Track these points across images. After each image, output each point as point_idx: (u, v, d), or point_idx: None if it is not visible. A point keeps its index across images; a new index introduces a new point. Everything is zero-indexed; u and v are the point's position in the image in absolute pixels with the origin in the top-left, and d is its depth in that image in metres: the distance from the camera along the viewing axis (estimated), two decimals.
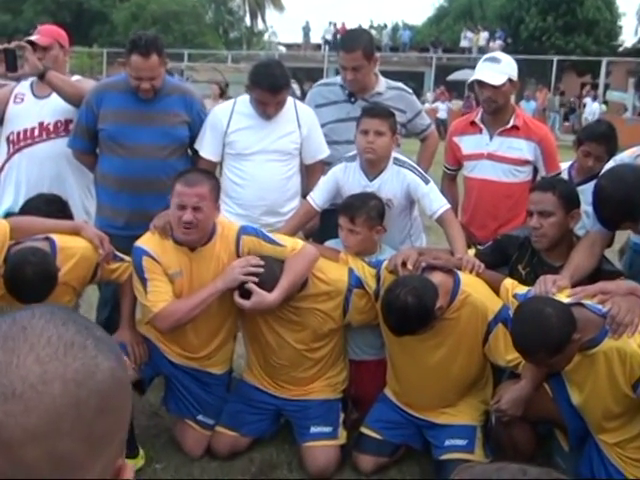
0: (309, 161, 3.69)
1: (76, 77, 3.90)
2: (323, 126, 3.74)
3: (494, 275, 3.09)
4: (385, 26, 39.73)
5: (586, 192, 3.13)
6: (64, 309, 0.76)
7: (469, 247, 3.38)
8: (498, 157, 3.63)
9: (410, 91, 3.97)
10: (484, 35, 30.80)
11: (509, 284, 2.99)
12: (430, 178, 3.44)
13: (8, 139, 3.67)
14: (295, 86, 18.52)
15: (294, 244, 3.13)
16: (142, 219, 3.24)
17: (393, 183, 3.38)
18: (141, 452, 3.17)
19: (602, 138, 3.60)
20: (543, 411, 2.87)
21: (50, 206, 3.26)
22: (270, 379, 3.39)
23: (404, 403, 3.28)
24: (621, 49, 34.24)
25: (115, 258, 3.13)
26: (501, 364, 3.03)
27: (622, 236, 3.65)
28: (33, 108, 3.66)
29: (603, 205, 2.78)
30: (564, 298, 2.66)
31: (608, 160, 3.30)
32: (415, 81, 28.99)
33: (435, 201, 3.33)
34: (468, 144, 3.74)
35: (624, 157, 3.08)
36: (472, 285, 3.00)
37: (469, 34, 31.87)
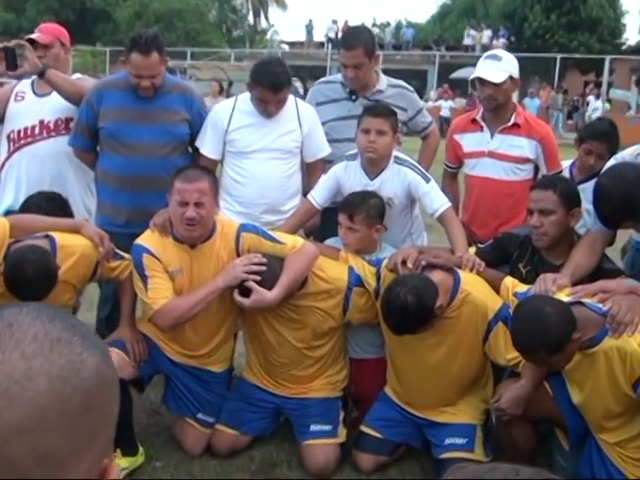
0: (310, 159, 3.68)
1: (77, 75, 3.91)
2: (324, 124, 3.73)
3: (494, 274, 3.09)
4: (388, 24, 39.68)
5: (587, 190, 3.11)
6: (52, 307, 0.76)
7: (470, 245, 3.37)
8: (499, 155, 3.62)
9: (411, 89, 3.96)
10: (487, 33, 30.72)
11: (509, 282, 2.98)
12: (431, 176, 3.43)
13: (9, 137, 3.68)
14: (298, 84, 18.51)
15: (294, 242, 3.13)
16: (143, 217, 3.24)
17: (394, 182, 3.38)
18: (141, 450, 3.17)
19: (604, 136, 3.59)
20: (543, 410, 2.86)
21: (50, 204, 3.27)
22: (270, 377, 3.39)
23: (404, 402, 3.28)
24: (624, 47, 34.14)
25: (115, 256, 3.13)
26: (501, 363, 3.02)
27: (624, 235, 3.64)
28: (34, 106, 3.67)
29: (603, 204, 2.76)
30: (564, 297, 2.65)
31: (609, 158, 3.29)
32: (418, 79, 29.00)
33: (436, 199, 3.33)
34: (469, 142, 3.73)
35: (625, 155, 3.07)
36: (472, 284, 3.00)
37: (472, 32, 31.79)
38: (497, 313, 2.94)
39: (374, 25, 38.96)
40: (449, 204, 3.35)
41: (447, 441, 3.11)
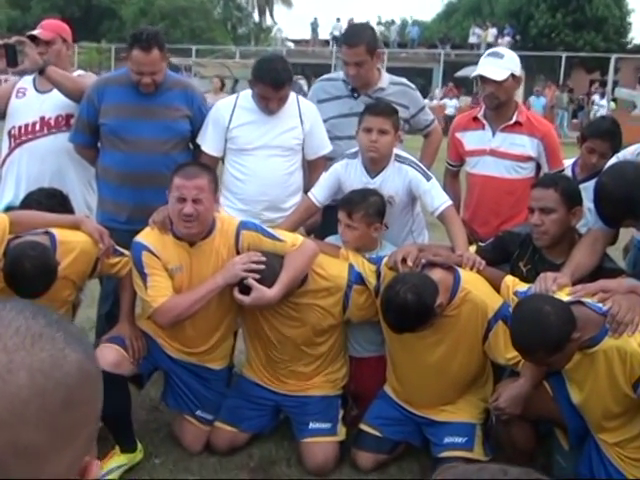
0: (311, 157, 3.67)
1: (78, 72, 3.90)
2: (325, 121, 3.72)
3: (495, 272, 3.08)
4: (393, 22, 39.63)
5: (590, 189, 3.09)
6: (37, 305, 0.76)
7: (470, 244, 3.36)
8: (501, 153, 3.60)
9: (413, 87, 3.94)
10: (492, 31, 30.64)
11: (510, 281, 2.97)
12: (432, 175, 3.42)
13: (9, 133, 3.68)
14: (303, 82, 18.50)
15: (294, 240, 3.12)
16: (144, 214, 3.23)
17: (395, 180, 3.37)
18: (139, 446, 3.17)
19: (606, 135, 3.56)
20: (543, 410, 2.85)
21: (51, 200, 3.27)
22: (270, 374, 3.38)
23: (404, 400, 3.27)
24: (630, 46, 34.05)
25: (115, 252, 3.13)
26: (501, 362, 3.01)
27: (627, 234, 3.62)
28: (34, 102, 3.67)
29: (604, 202, 2.75)
30: (564, 296, 2.64)
31: (612, 157, 3.27)
32: (423, 77, 28.95)
33: (436, 198, 3.32)
34: (471, 140, 3.71)
35: (626, 154, 3.05)
36: (472, 282, 2.98)
37: (477, 30, 31.71)
38: (497, 312, 2.93)
39: (379, 23, 38.89)
40: (450, 202, 3.34)
41: (446, 440, 3.11)
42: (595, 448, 2.76)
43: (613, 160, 3.08)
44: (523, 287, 2.89)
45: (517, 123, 3.59)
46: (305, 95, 4.01)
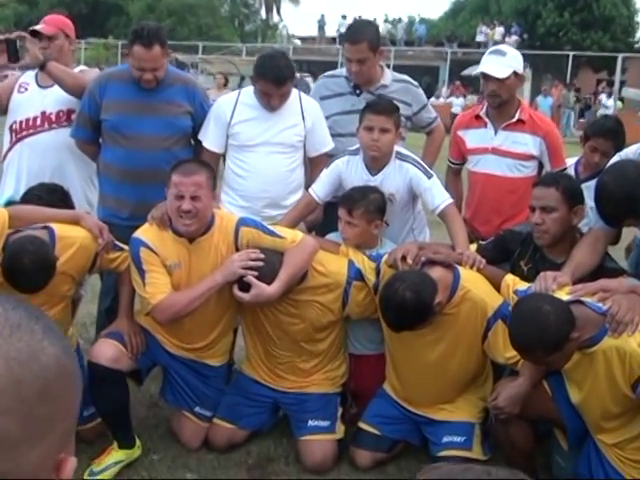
0: (313, 154, 3.66)
1: (80, 68, 3.90)
2: (327, 118, 3.71)
3: (495, 271, 3.06)
4: (400, 20, 39.53)
5: (592, 188, 3.07)
6: (19, 299, 0.77)
7: (471, 242, 3.35)
8: (502, 152, 3.58)
9: (416, 84, 3.92)
10: (500, 30, 30.53)
11: (510, 280, 2.96)
12: (433, 172, 3.41)
13: (11, 128, 3.68)
14: (309, 79, 18.46)
15: (294, 236, 3.11)
16: (146, 210, 3.22)
17: (395, 177, 3.36)
18: (138, 442, 3.16)
19: (609, 133, 3.55)
20: (542, 409, 2.84)
21: (51, 195, 3.27)
22: (269, 370, 3.38)
23: (403, 398, 3.26)
24: (638, 45, 33.90)
25: (114, 247, 3.13)
26: (500, 361, 3.00)
27: (629, 234, 3.60)
28: (36, 97, 3.67)
29: (605, 201, 2.74)
30: (564, 295, 2.62)
31: (614, 156, 3.25)
32: (430, 76, 28.89)
33: (437, 196, 3.30)
34: (472, 138, 3.69)
35: (628, 153, 3.03)
36: (472, 281, 2.97)
37: (484, 29, 31.61)
38: (496, 311, 2.92)
39: (386, 21, 38.82)
40: (450, 200, 3.32)
41: (445, 439, 3.10)
42: (594, 449, 2.74)
43: (615, 159, 3.06)
44: (523, 286, 2.88)
45: (519, 121, 3.57)
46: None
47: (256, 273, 2.96)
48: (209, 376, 3.30)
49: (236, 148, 3.56)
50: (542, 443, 3.05)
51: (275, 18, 51.52)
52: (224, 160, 3.72)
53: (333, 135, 3.70)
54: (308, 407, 3.28)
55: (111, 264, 3.15)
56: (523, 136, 3.56)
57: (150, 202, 3.25)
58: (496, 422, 2.98)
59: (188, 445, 3.26)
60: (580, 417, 2.75)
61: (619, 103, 24.45)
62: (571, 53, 27.43)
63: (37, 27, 3.68)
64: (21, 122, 3.64)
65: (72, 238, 2.96)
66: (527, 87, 26.33)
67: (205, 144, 3.58)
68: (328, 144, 3.66)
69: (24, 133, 3.64)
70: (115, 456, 3.06)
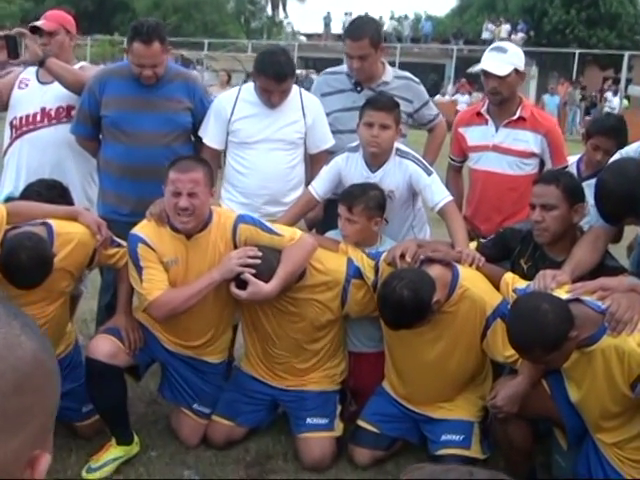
0: (313, 151, 3.65)
1: (80, 64, 3.89)
2: (328, 115, 3.69)
3: (494, 269, 3.04)
4: (406, 17, 39.41)
5: (594, 186, 3.06)
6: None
7: (472, 240, 3.33)
8: (503, 149, 3.56)
9: (417, 80, 3.90)
10: (506, 27, 30.41)
11: (509, 278, 2.94)
12: (433, 170, 3.39)
13: (11, 124, 3.68)
14: (315, 76, 18.44)
15: (292, 234, 3.10)
16: (146, 207, 3.22)
17: (395, 174, 3.34)
18: (136, 439, 3.16)
19: (611, 131, 3.52)
20: (541, 408, 2.82)
21: (51, 192, 3.26)
22: (268, 369, 3.37)
23: (402, 397, 3.25)
24: None
25: (113, 244, 3.13)
26: (499, 360, 2.98)
27: (631, 233, 3.58)
28: (36, 93, 3.67)
29: (605, 199, 2.71)
30: (563, 294, 2.61)
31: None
32: (436, 73, 28.82)
33: (437, 193, 3.28)
34: (473, 135, 3.67)
35: (629, 151, 3.01)
36: (471, 279, 2.96)
37: (491, 26, 31.51)
38: (495, 309, 2.90)
39: (392, 18, 38.66)
40: (450, 198, 3.30)
41: (443, 437, 3.09)
42: (593, 448, 2.73)
43: (616, 156, 3.04)
44: (522, 284, 2.86)
45: (521, 118, 3.55)
46: None
47: (254, 271, 2.95)
48: (208, 373, 3.30)
49: (236, 145, 3.55)
50: (542, 442, 3.03)
51: (281, 15, 51.53)
52: (225, 157, 3.71)
53: (334, 132, 3.68)
54: (307, 405, 3.27)
55: (109, 260, 3.15)
56: (524, 133, 3.54)
57: (150, 198, 3.24)
58: (495, 421, 2.96)
59: (187, 442, 3.26)
60: (579, 416, 2.74)
61: (625, 101, 24.37)
62: (577, 51, 27.32)
63: (38, 23, 3.68)
64: (21, 118, 3.64)
65: (70, 234, 2.96)
66: (533, 85, 26.27)
67: (205, 141, 3.58)
68: (329, 141, 3.65)
69: (24, 129, 3.63)
70: (113, 452, 3.06)
